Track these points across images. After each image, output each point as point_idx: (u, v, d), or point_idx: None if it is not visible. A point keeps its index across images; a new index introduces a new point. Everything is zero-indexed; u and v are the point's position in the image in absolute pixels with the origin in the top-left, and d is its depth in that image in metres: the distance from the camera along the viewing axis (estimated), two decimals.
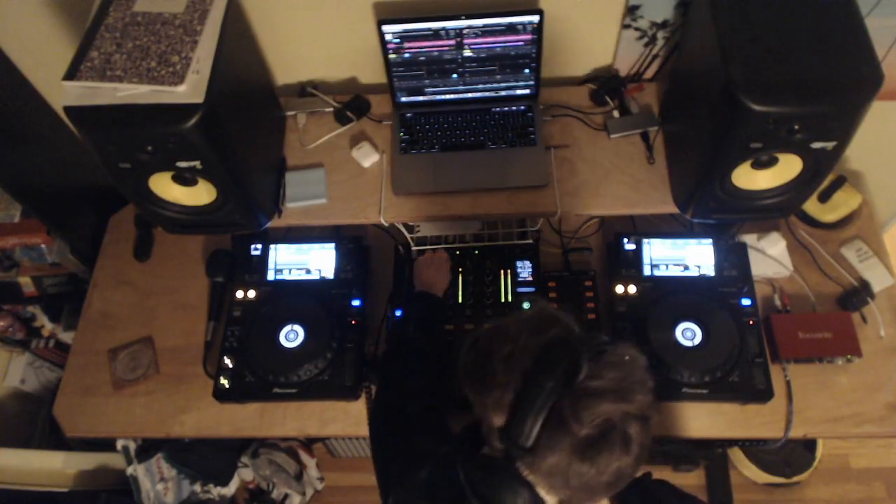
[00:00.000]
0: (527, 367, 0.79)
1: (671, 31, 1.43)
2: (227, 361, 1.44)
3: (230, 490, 2.05)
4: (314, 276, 1.55)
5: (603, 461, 0.76)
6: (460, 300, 1.50)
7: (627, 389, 0.77)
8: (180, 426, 1.47)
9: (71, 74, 1.11)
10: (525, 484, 0.81)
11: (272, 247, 1.57)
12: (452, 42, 1.39)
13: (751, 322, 1.41)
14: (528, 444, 0.76)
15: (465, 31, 1.37)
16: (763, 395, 1.35)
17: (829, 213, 1.58)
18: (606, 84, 1.52)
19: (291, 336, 1.45)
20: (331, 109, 1.54)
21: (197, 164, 1.14)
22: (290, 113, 1.55)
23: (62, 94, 1.09)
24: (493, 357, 0.83)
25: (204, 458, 1.95)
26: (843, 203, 1.57)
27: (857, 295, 1.49)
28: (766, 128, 1.05)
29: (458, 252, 1.56)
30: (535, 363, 0.79)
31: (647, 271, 1.49)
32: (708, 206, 1.30)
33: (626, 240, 1.52)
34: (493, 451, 0.84)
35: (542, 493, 0.82)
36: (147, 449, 1.82)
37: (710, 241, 1.50)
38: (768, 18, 1.10)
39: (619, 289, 1.47)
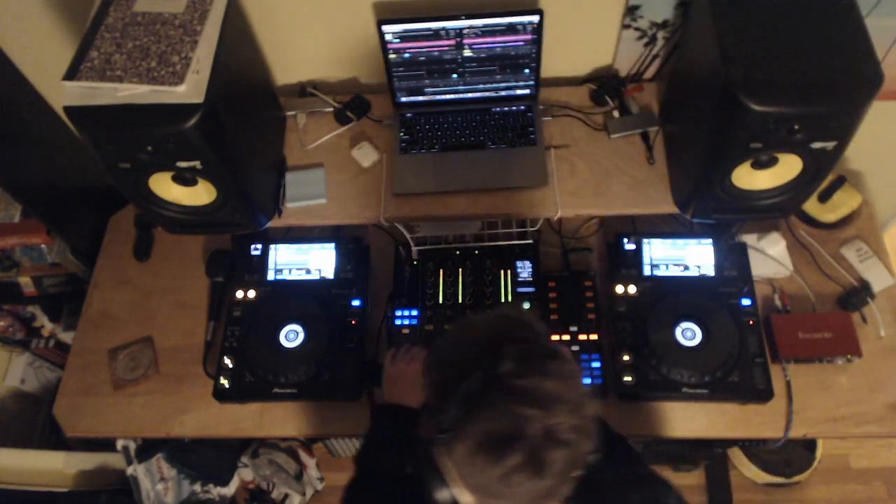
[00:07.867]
0: (469, 356, 0.79)
1: (671, 31, 1.43)
2: (227, 361, 1.44)
3: (230, 490, 2.05)
4: (314, 276, 1.55)
5: (504, 468, 0.72)
6: (460, 300, 1.50)
7: (550, 401, 0.73)
8: (180, 426, 1.47)
9: (71, 74, 1.11)
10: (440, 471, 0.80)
11: (272, 247, 1.57)
12: (452, 42, 1.39)
13: (751, 322, 1.41)
14: (444, 425, 0.76)
15: (465, 31, 1.37)
16: (763, 395, 1.35)
17: (829, 213, 1.58)
18: (606, 84, 1.52)
19: (291, 336, 1.45)
20: (331, 109, 1.54)
21: (197, 164, 1.14)
22: (290, 113, 1.55)
23: (62, 94, 1.10)
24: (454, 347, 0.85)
25: (204, 458, 1.94)
26: (843, 203, 1.57)
27: (857, 295, 1.49)
28: (766, 128, 1.05)
29: (458, 252, 1.56)
30: (479, 352, 0.79)
31: (647, 271, 1.49)
32: (708, 206, 1.30)
33: (626, 240, 1.52)
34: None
35: (457, 489, 0.81)
36: (147, 449, 1.83)
37: (710, 241, 1.50)
38: (768, 18, 1.10)
39: (619, 289, 1.47)
